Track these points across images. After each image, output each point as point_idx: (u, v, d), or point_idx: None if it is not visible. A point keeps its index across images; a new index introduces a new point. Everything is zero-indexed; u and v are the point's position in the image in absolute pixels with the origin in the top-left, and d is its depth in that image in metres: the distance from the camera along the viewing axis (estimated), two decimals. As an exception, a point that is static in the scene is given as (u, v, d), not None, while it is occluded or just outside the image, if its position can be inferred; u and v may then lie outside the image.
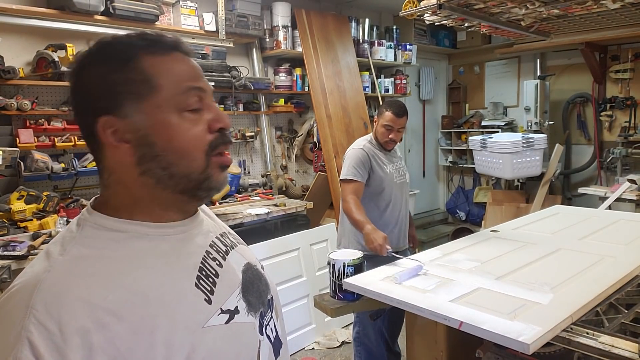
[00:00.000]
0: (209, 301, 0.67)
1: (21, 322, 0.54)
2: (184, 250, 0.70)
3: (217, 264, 0.73)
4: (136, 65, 0.65)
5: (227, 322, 0.68)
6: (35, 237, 2.51)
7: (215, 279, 0.70)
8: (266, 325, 0.76)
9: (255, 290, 0.77)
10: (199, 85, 0.69)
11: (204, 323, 0.65)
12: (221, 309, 0.68)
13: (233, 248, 0.79)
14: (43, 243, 2.43)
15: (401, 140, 2.68)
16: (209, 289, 0.68)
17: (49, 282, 0.58)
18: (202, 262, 0.70)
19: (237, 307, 0.71)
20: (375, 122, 2.56)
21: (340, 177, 2.49)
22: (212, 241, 0.76)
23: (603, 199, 4.19)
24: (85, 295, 0.57)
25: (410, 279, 1.73)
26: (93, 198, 0.71)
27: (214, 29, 3.72)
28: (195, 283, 0.67)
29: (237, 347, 0.69)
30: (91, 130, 0.66)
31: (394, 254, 2.02)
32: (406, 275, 1.74)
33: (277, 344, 0.79)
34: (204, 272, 0.69)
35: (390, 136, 2.48)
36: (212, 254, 0.73)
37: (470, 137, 5.19)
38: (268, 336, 0.76)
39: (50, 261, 0.61)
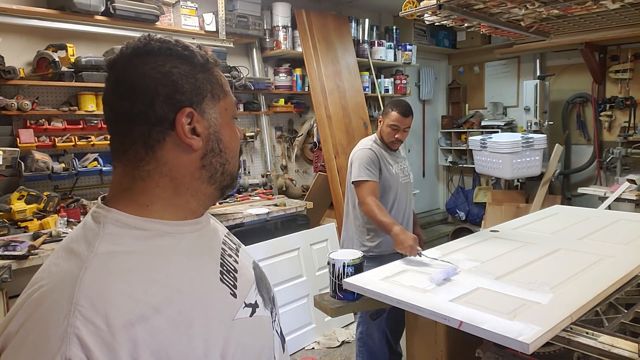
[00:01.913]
0: (234, 295, 0.69)
1: (66, 319, 0.54)
2: (204, 246, 0.72)
3: (233, 260, 0.75)
4: (213, 71, 0.72)
5: (251, 315, 0.70)
6: (35, 237, 2.51)
7: (235, 274, 0.73)
8: (274, 321, 0.79)
9: (264, 286, 0.80)
10: (235, 100, 0.79)
11: (234, 316, 0.67)
12: (244, 302, 0.71)
13: (240, 246, 0.83)
14: (43, 243, 2.43)
15: None
16: (232, 283, 0.70)
17: (89, 278, 0.57)
18: (221, 258, 0.73)
19: (256, 301, 0.74)
20: (380, 122, 2.53)
21: (353, 180, 2.43)
22: (224, 239, 0.78)
23: (603, 199, 4.20)
24: (127, 289, 0.58)
25: (445, 280, 1.70)
26: (101, 196, 0.71)
27: (214, 29, 3.73)
28: (220, 278, 0.69)
29: (261, 339, 0.72)
30: (159, 119, 0.66)
31: (425, 255, 1.97)
32: (442, 277, 1.70)
33: (282, 340, 0.82)
34: (225, 268, 0.72)
35: (396, 136, 2.47)
36: (227, 251, 0.76)
37: (470, 137, 5.20)
38: (277, 331, 0.79)
39: (81, 258, 0.60)
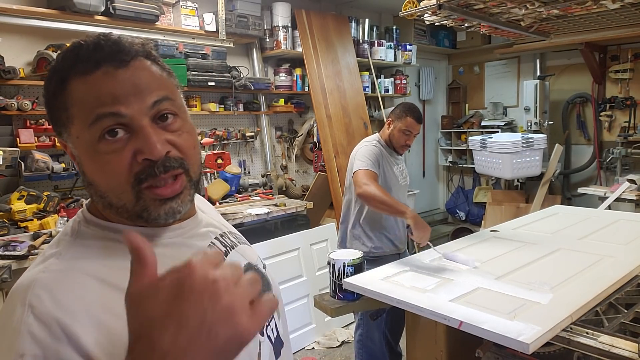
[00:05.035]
0: None
1: (19, 318, 0.55)
2: (182, 252, 0.68)
3: None
4: (66, 90, 0.61)
5: None
6: (35, 237, 2.51)
7: None
8: (267, 326, 0.76)
9: None
10: (112, 111, 0.59)
11: None
12: None
13: (233, 248, 0.79)
14: (43, 243, 2.43)
15: None
16: None
17: (44, 281, 0.58)
18: None
19: None
20: (389, 124, 2.49)
21: (356, 168, 2.35)
22: (212, 242, 0.76)
23: (603, 199, 4.20)
24: (81, 293, 0.58)
25: (455, 263, 1.84)
26: (89, 200, 0.70)
27: (214, 29, 3.73)
28: None
29: None
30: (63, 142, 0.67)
31: (435, 249, 1.99)
32: (455, 257, 1.85)
33: (277, 344, 0.79)
34: None
35: (407, 141, 2.46)
36: None
37: (470, 137, 5.20)
38: (269, 336, 0.76)
39: (46, 263, 0.61)
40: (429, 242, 2.02)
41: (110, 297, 0.59)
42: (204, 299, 0.41)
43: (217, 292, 0.41)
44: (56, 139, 2.81)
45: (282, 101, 4.36)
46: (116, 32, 3.31)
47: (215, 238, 0.77)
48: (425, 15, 2.63)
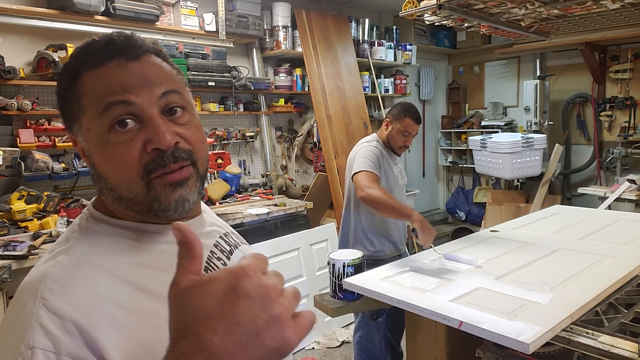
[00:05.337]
0: None
1: (31, 310, 0.55)
2: None
3: (222, 263, 0.74)
4: (78, 83, 0.62)
5: None
6: (35, 237, 2.51)
7: None
8: None
9: None
10: (123, 99, 0.60)
11: None
12: None
13: (237, 247, 0.81)
14: (43, 243, 2.43)
15: None
16: None
17: (56, 275, 0.58)
18: (207, 262, 0.71)
19: None
20: (387, 125, 2.45)
21: (357, 170, 2.29)
22: (217, 241, 0.77)
23: (603, 199, 4.20)
24: (92, 286, 0.58)
25: (456, 262, 1.87)
26: (94, 198, 0.71)
27: (214, 29, 3.73)
28: None
29: None
30: (73, 134, 0.68)
31: (435, 250, 2.00)
32: (456, 257, 1.88)
33: None
34: (209, 271, 0.70)
35: (406, 142, 2.43)
36: (216, 254, 0.74)
37: (470, 137, 5.20)
38: None
39: (57, 259, 0.61)
40: (430, 244, 2.03)
41: (121, 292, 0.59)
42: (256, 305, 0.40)
43: (269, 300, 0.41)
44: (56, 140, 2.84)
45: (282, 101, 4.36)
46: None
47: (220, 237, 0.78)
48: (425, 15, 2.63)
